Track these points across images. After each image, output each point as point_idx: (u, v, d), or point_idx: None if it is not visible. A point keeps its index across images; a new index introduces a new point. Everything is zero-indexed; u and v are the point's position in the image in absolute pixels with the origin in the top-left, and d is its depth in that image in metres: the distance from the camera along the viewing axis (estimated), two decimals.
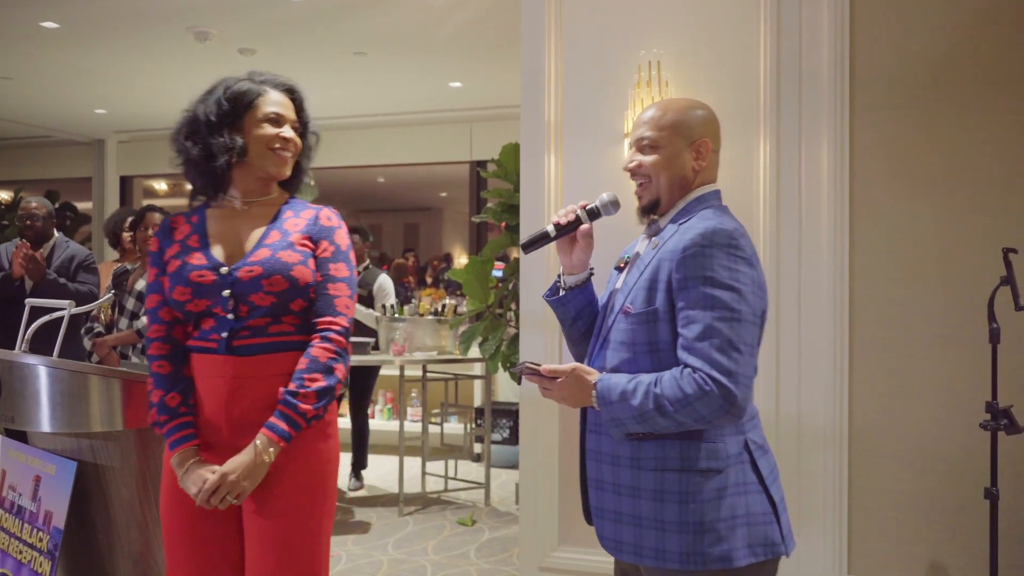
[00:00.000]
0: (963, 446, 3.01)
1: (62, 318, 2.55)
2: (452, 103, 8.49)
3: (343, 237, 2.00)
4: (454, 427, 6.38)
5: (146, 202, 10.76)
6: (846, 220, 3.17)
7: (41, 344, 2.54)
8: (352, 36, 6.28)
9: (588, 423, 1.83)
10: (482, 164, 8.78)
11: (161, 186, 11.81)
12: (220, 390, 1.86)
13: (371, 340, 5.52)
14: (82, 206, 10.50)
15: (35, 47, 6.59)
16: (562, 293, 1.94)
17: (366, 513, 5.09)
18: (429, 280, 10.72)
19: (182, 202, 12.35)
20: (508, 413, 6.25)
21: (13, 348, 2.55)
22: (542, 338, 3.45)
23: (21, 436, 2.57)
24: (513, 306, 4.67)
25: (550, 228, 1.88)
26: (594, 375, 1.74)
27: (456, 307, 6.56)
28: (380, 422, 6.78)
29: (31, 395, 2.28)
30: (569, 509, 3.42)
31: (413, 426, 6.19)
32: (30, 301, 2.65)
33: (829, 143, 3.17)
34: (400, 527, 4.81)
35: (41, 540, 2.28)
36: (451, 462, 5.63)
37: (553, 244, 1.91)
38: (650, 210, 1.83)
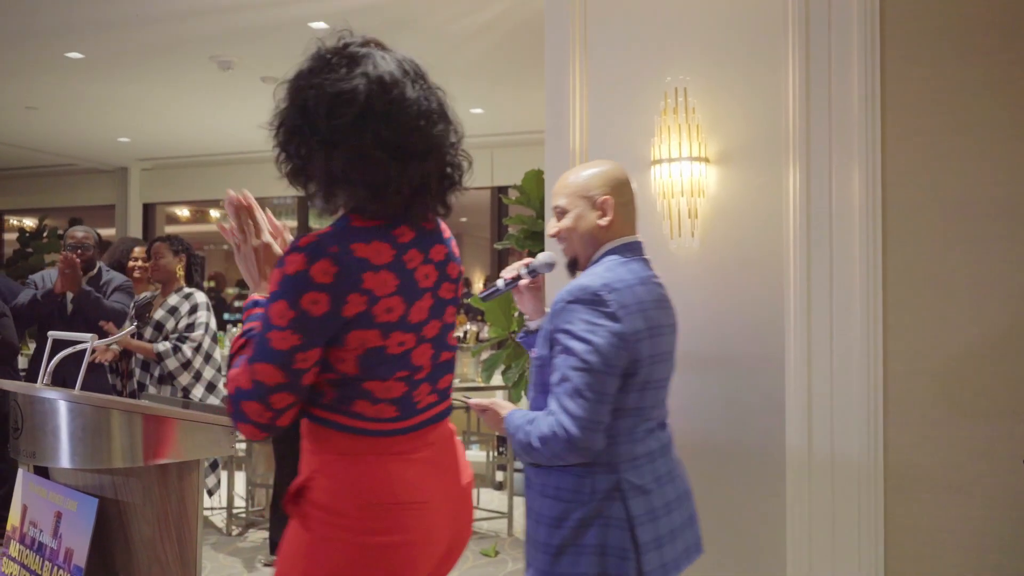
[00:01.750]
0: (1006, 482, 2.92)
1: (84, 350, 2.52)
2: (473, 129, 8.43)
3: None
4: (476, 455, 6.32)
5: (168, 229, 10.86)
6: (879, 248, 3.10)
7: (66, 372, 2.51)
8: None
9: None
10: (503, 190, 8.77)
11: (183, 212, 11.89)
12: None
13: None
14: (105, 233, 10.58)
15: (60, 77, 6.66)
16: (525, 335, 2.24)
17: None
18: None
19: (203, 229, 12.44)
20: None
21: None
22: None
23: (43, 470, 2.54)
24: None
25: (500, 283, 2.20)
26: (507, 409, 2.00)
27: (478, 333, 6.52)
28: None
29: (51, 430, 2.26)
30: None
31: None
32: (52, 334, 2.63)
33: (861, 169, 3.11)
34: None
35: None
36: (473, 491, 5.56)
37: None
38: (573, 267, 2.06)
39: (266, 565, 4.54)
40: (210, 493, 4.86)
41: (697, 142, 3.29)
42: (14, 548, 2.48)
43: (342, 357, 1.48)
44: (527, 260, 2.14)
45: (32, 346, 4.80)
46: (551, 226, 2.07)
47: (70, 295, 4.35)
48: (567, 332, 1.85)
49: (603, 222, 1.98)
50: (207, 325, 4.40)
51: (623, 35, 3.42)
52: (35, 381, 2.81)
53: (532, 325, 2.21)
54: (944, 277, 3.07)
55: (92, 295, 4.35)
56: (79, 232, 4.66)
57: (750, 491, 3.27)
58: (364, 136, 1.46)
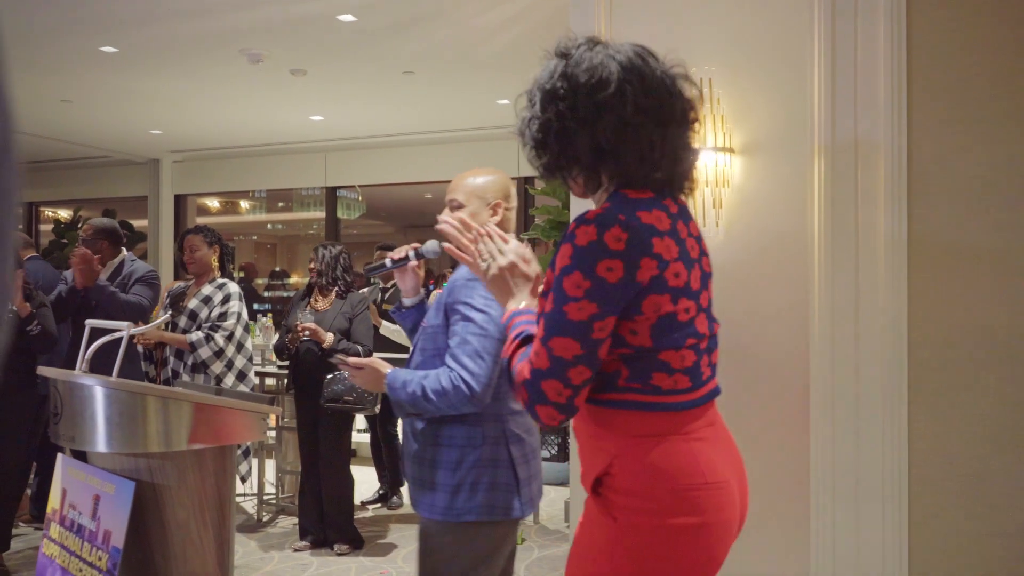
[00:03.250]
0: None
1: (121, 339, 2.59)
2: (499, 120, 8.51)
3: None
4: None
5: (200, 220, 10.99)
6: (905, 238, 3.10)
7: (103, 362, 2.58)
8: (400, 56, 6.35)
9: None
10: (530, 180, 8.78)
11: (214, 204, 12.03)
12: None
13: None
14: (138, 224, 10.74)
15: (94, 71, 6.76)
16: (403, 311, 2.52)
17: (415, 530, 5.08)
18: None
19: (233, 220, 12.57)
20: (556, 430, 6.22)
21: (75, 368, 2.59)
22: None
23: (81, 455, 2.61)
24: None
25: (387, 262, 2.47)
26: (387, 367, 2.25)
27: None
28: None
29: (89, 416, 2.32)
30: None
31: None
32: (90, 322, 2.70)
33: (887, 159, 3.10)
34: None
35: (100, 559, 2.31)
36: None
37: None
38: None
39: (296, 551, 4.62)
40: (243, 480, 4.95)
41: (722, 132, 3.30)
42: (55, 530, 2.55)
43: (635, 329, 1.50)
44: (415, 244, 2.46)
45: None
46: (444, 215, 2.29)
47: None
48: (468, 304, 2.18)
49: (493, 221, 2.32)
50: (239, 315, 4.47)
51: (648, 26, 3.44)
52: (71, 369, 2.88)
53: (408, 302, 2.53)
54: (971, 266, 3.06)
55: (107, 290, 4.37)
56: (94, 222, 4.76)
57: (773, 479, 3.29)
58: (626, 106, 1.51)
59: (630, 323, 1.50)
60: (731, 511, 1.59)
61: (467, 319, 2.18)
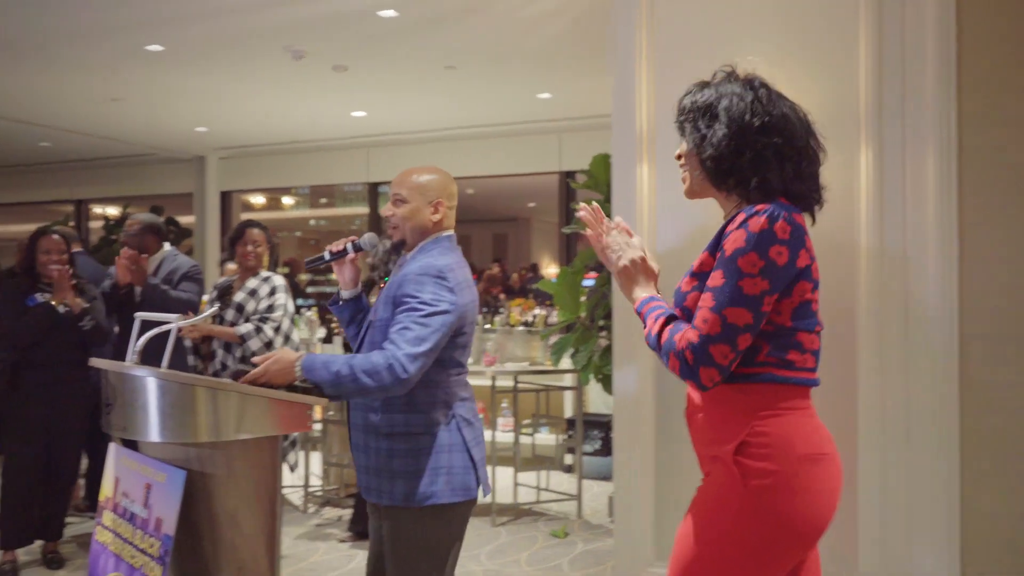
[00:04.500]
0: None
1: (169, 331, 2.64)
2: (541, 114, 8.52)
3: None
4: (545, 438, 6.38)
5: (244, 216, 11.14)
6: (955, 229, 3.05)
7: (149, 356, 2.64)
8: (442, 50, 6.37)
9: (351, 404, 2.45)
10: (571, 175, 8.78)
11: (259, 200, 12.19)
12: None
13: None
14: (184, 220, 10.91)
15: (141, 69, 6.89)
16: (340, 303, 2.60)
17: None
18: (516, 287, 10.74)
19: (277, 216, 12.72)
20: (600, 424, 6.22)
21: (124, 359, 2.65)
22: (635, 348, 3.42)
23: (132, 444, 2.67)
24: (605, 317, 4.64)
25: (325, 254, 2.53)
26: (295, 354, 2.29)
27: (547, 318, 6.56)
28: None
29: (141, 406, 2.37)
30: (666, 523, 3.37)
31: (504, 436, 6.21)
32: (140, 315, 2.75)
33: (935, 149, 3.05)
34: (493, 537, 4.82)
35: (152, 546, 2.37)
36: (543, 473, 5.62)
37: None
38: (398, 248, 2.49)
39: (340, 541, 4.68)
40: (292, 469, 5.01)
41: None
42: (107, 517, 2.62)
43: (780, 309, 1.78)
44: (353, 237, 2.54)
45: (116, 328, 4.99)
46: (388, 209, 2.48)
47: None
48: (415, 296, 2.29)
49: (435, 218, 2.46)
50: (285, 307, 4.52)
51: (691, 17, 3.41)
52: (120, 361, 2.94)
53: (345, 294, 2.60)
54: (1022, 257, 3.00)
55: (158, 288, 4.49)
56: (128, 220, 4.85)
57: None
58: (805, 151, 1.87)
59: (778, 304, 1.78)
60: (840, 480, 1.84)
61: (412, 309, 2.28)
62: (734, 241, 1.76)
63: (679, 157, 1.99)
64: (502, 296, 9.22)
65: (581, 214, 2.04)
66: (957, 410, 3.03)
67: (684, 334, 1.76)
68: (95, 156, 11.08)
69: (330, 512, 5.38)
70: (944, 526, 3.03)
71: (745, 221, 1.77)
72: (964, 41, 3.06)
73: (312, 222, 14.30)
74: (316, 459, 5.92)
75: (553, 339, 5.09)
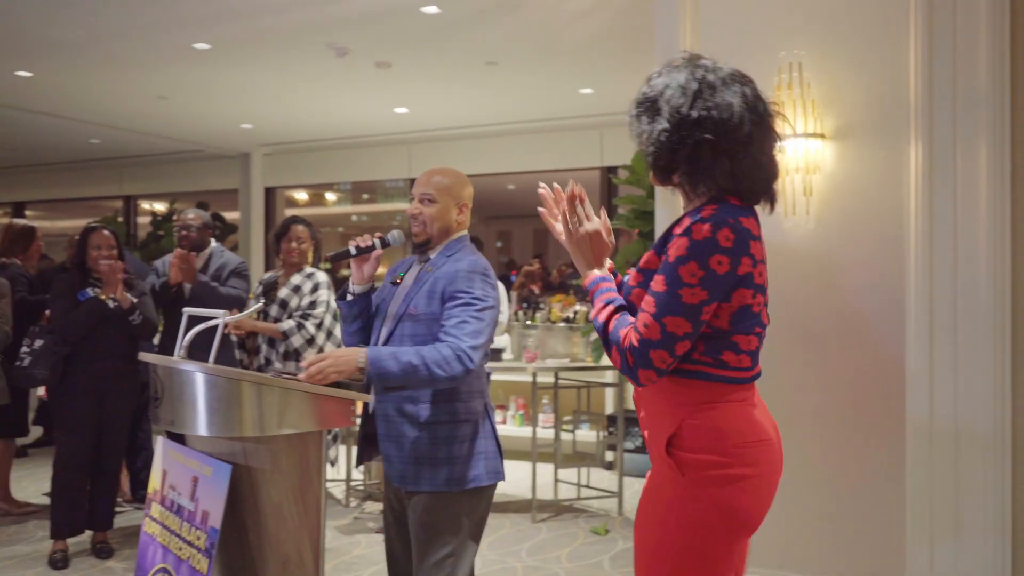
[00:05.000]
0: None
1: (217, 326, 2.67)
2: (583, 109, 8.49)
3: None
4: (586, 435, 6.36)
5: (288, 212, 11.25)
6: (1007, 223, 2.98)
7: (196, 351, 2.67)
8: (483, 46, 6.38)
9: (379, 394, 2.54)
10: (613, 170, 8.73)
11: (301, 196, 12.30)
12: None
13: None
14: (230, 216, 11.06)
15: (188, 67, 6.99)
16: (349, 298, 2.65)
17: (499, 518, 5.13)
18: (556, 283, 10.70)
19: (320, 212, 12.84)
20: None
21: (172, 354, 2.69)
22: None
23: (179, 437, 2.71)
24: None
25: (352, 248, 2.60)
26: (355, 349, 2.37)
27: (588, 314, 6.54)
28: (512, 428, 6.84)
29: (189, 400, 2.41)
30: None
31: (545, 433, 6.21)
32: (188, 310, 2.80)
33: (988, 142, 2.99)
34: (533, 534, 4.82)
35: (199, 538, 2.40)
36: (583, 470, 5.61)
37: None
38: (424, 245, 2.61)
39: (378, 532, 4.71)
40: (332, 463, 5.06)
41: (812, 118, 3.22)
42: (155, 510, 2.66)
43: (719, 313, 1.79)
44: (378, 234, 2.64)
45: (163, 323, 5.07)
46: (415, 207, 2.60)
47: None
48: (468, 292, 2.45)
49: (460, 219, 2.63)
50: (328, 303, 4.57)
51: (735, 10, 3.37)
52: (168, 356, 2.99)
53: (358, 289, 2.66)
54: None
55: (208, 285, 4.57)
56: (189, 214, 4.89)
57: (869, 462, 3.20)
58: (752, 144, 1.82)
59: (717, 308, 1.78)
60: (778, 466, 1.87)
61: (467, 304, 2.44)
62: (677, 248, 1.76)
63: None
64: (538, 291, 9.20)
65: (542, 191, 2.07)
66: (1009, 407, 2.97)
67: (628, 334, 1.78)
68: (143, 153, 11.27)
69: (371, 506, 5.42)
70: (994, 527, 2.97)
71: (689, 228, 1.76)
72: (1017, 29, 2.99)
73: (354, 217, 14.39)
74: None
75: (594, 335, 5.07)
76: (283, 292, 4.57)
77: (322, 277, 4.62)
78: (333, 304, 4.60)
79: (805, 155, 3.24)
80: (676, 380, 1.82)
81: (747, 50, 3.33)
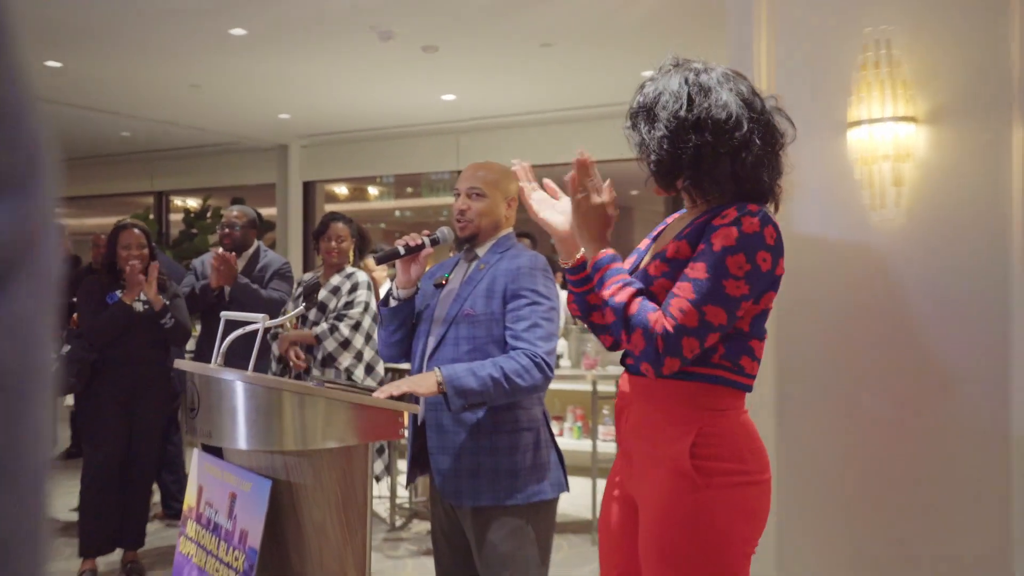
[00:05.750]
0: None
1: (256, 332, 2.70)
2: None
3: None
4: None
5: (328, 207, 11.37)
6: None
7: (234, 357, 2.70)
8: (537, 27, 6.36)
9: (427, 406, 2.56)
10: None
11: (342, 190, 12.42)
12: None
13: None
14: (266, 212, 11.21)
15: (223, 54, 7.10)
16: (394, 303, 2.68)
17: (556, 539, 5.09)
18: None
19: (362, 207, 12.94)
20: None
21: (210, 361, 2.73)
22: None
23: (215, 450, 2.75)
24: None
25: (400, 248, 2.60)
26: (431, 372, 2.40)
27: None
28: (569, 441, 6.80)
29: (227, 411, 2.43)
30: (786, 535, 3.29)
31: (606, 447, 6.17)
32: (226, 314, 2.82)
33: None
34: (593, 556, 4.80)
35: (237, 559, 2.43)
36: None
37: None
38: (470, 240, 2.64)
39: (426, 554, 4.72)
40: (377, 479, 5.08)
41: (903, 100, 3.16)
42: (191, 528, 2.70)
43: (743, 314, 1.85)
44: (426, 232, 2.66)
45: (198, 328, 5.15)
46: (463, 202, 2.64)
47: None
48: (533, 290, 2.50)
49: (508, 215, 2.69)
50: (367, 304, 4.55)
51: None
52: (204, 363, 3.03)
53: (403, 294, 2.68)
54: None
55: (249, 287, 4.60)
56: (233, 211, 4.94)
57: (968, 475, 3.13)
58: (754, 144, 1.88)
59: (747, 308, 1.84)
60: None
61: (535, 303, 2.48)
62: (724, 237, 1.81)
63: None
64: None
65: (515, 167, 2.16)
66: None
67: (659, 318, 1.80)
68: (175, 146, 11.48)
69: (418, 525, 5.44)
70: None
71: (738, 219, 1.82)
72: None
73: (397, 213, 14.48)
74: (404, 468, 5.98)
75: None
76: (322, 294, 4.60)
77: (362, 277, 4.63)
78: (373, 305, 4.60)
79: (895, 140, 3.17)
80: (687, 384, 1.87)
81: (828, 24, 3.28)
